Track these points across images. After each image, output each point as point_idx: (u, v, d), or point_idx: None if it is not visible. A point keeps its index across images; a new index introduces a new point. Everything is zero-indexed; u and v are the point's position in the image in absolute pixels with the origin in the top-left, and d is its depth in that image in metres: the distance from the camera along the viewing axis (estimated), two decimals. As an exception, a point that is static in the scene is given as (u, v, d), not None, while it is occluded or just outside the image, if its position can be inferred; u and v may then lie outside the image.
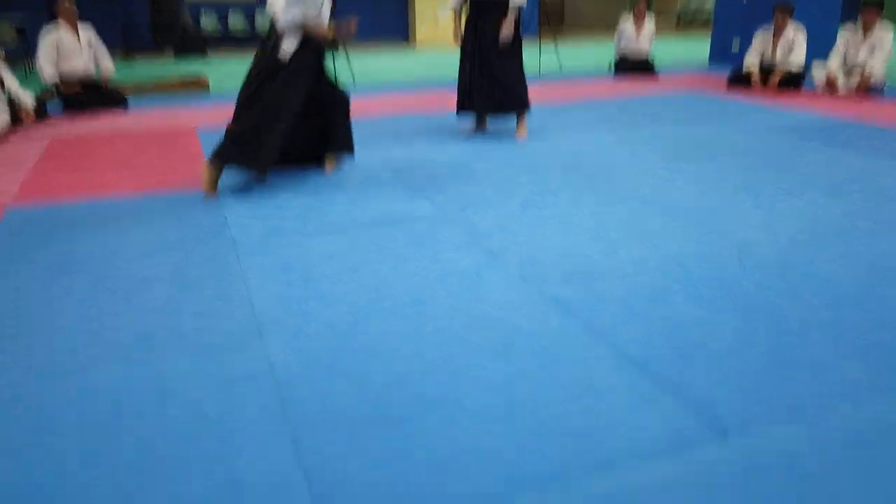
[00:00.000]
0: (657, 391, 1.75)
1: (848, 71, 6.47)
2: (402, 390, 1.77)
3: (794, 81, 6.58)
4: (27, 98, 5.36)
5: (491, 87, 4.59)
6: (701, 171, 3.86)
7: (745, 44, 7.31)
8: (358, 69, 8.74)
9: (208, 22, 13.19)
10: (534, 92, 6.79)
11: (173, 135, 5.02)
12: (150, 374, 1.85)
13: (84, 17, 6.22)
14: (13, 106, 5.19)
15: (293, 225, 3.05)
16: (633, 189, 3.55)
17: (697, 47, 11.33)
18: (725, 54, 8.82)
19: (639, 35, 7.98)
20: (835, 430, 1.59)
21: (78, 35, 5.87)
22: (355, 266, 2.61)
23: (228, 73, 8.92)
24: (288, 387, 1.79)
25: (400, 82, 7.97)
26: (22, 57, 9.45)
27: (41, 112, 5.48)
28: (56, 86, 5.79)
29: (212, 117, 5.70)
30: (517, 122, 4.83)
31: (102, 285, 2.45)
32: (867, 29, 6.36)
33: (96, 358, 1.94)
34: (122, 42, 12.41)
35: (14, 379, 1.84)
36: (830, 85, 6.45)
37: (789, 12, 6.58)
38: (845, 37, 6.52)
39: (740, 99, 6.32)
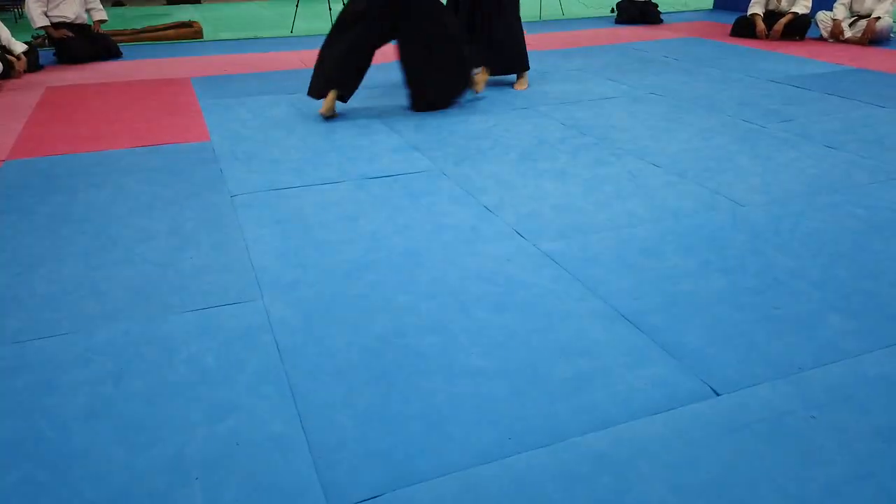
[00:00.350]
0: (649, 348, 1.79)
1: (854, 19, 6.34)
2: (398, 344, 1.82)
3: (798, 29, 6.45)
4: (19, 47, 5.29)
5: (489, 46, 4.52)
6: (700, 123, 3.84)
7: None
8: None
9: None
10: (534, 39, 6.67)
11: (167, 84, 4.97)
12: (151, 330, 1.90)
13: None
14: (5, 56, 5.11)
15: (289, 178, 3.06)
16: (630, 142, 3.54)
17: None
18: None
19: (642, -21, 7.79)
20: (823, 387, 1.64)
21: (68, -20, 5.74)
22: (351, 216, 2.63)
23: (221, 18, 8.75)
24: (286, 341, 1.84)
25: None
26: (10, 3, 9.26)
27: (34, 62, 5.41)
28: (46, 29, 5.69)
29: (205, 66, 5.63)
30: (517, 76, 4.77)
31: (105, 235, 2.48)
32: (874, -27, 6.21)
33: (99, 315, 1.98)
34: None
35: (19, 337, 1.88)
36: (836, 33, 6.32)
37: (796, -44, 6.41)
38: (852, -18, 6.37)
39: (744, 47, 6.21)
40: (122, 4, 11.02)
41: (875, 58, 5.58)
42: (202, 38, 7.17)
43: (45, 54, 5.89)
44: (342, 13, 4.01)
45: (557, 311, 1.96)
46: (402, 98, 4.33)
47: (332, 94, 3.90)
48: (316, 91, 3.98)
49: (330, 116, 3.95)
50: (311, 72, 4.08)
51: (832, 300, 2.00)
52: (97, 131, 3.82)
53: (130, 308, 2.01)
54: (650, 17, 7.75)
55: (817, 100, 4.30)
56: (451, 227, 2.54)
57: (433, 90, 4.11)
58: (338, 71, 3.89)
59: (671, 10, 8.86)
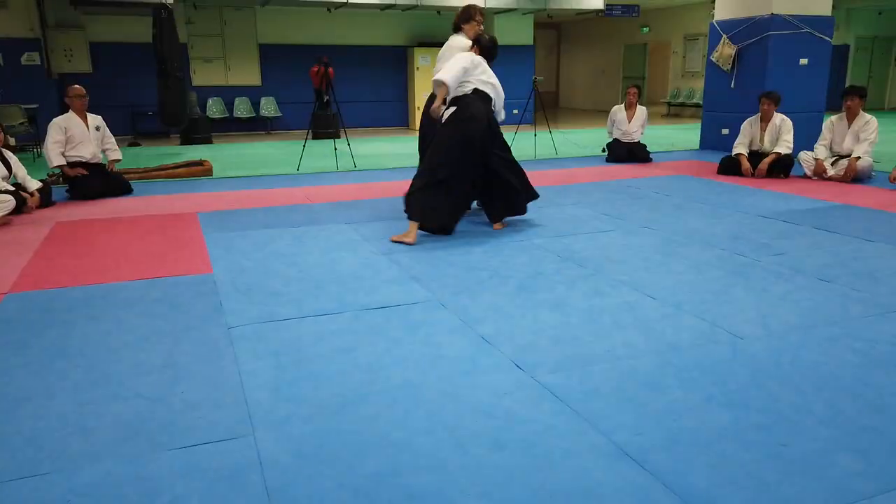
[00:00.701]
0: (654, 489, 1.72)
1: (834, 159, 6.64)
2: (392, 483, 1.75)
3: (783, 168, 6.74)
4: (33, 184, 5.49)
5: (507, 191, 4.65)
6: (694, 256, 3.91)
7: (735, 131, 7.53)
8: (361, 152, 8.97)
9: (215, 107, 13.64)
10: (529, 175, 6.95)
11: (174, 219, 5.11)
12: (135, 470, 1.83)
13: (94, 103, 6.47)
14: (19, 192, 5.30)
15: (287, 310, 3.07)
16: (626, 273, 3.59)
17: (688, 133, 11.66)
18: (716, 140, 9.08)
19: (630, 121, 8.24)
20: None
21: (87, 123, 6.06)
22: (348, 348, 2.61)
23: (231, 157, 9.16)
24: (275, 481, 1.77)
25: (399, 166, 8.17)
26: (31, 143, 9.73)
27: (46, 198, 5.60)
28: (62, 168, 5.93)
29: (213, 201, 5.82)
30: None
31: (98, 370, 2.45)
32: (851, 117, 6.58)
33: (84, 454, 1.91)
34: (131, 128, 12.81)
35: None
36: (819, 171, 6.60)
37: (774, 101, 6.81)
38: (830, 125, 6.73)
39: (731, 184, 6.46)
40: (138, 144, 11.58)
41: (858, 195, 5.78)
42: (212, 175, 7.46)
43: (58, 191, 6.11)
44: (446, 139, 4.38)
45: (558, 449, 1.90)
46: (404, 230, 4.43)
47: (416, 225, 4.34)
48: (435, 225, 4.44)
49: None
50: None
51: (839, 438, 1.95)
52: (101, 265, 3.88)
53: (117, 446, 1.94)
54: (639, 156, 8.12)
55: (807, 234, 4.41)
56: (449, 358, 2.52)
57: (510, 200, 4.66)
58: (452, 218, 4.48)
59: (659, 149, 9.30)
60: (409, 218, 4.31)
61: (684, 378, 2.34)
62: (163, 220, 5.10)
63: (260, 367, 2.47)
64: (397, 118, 15.41)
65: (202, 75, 13.72)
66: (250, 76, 14.15)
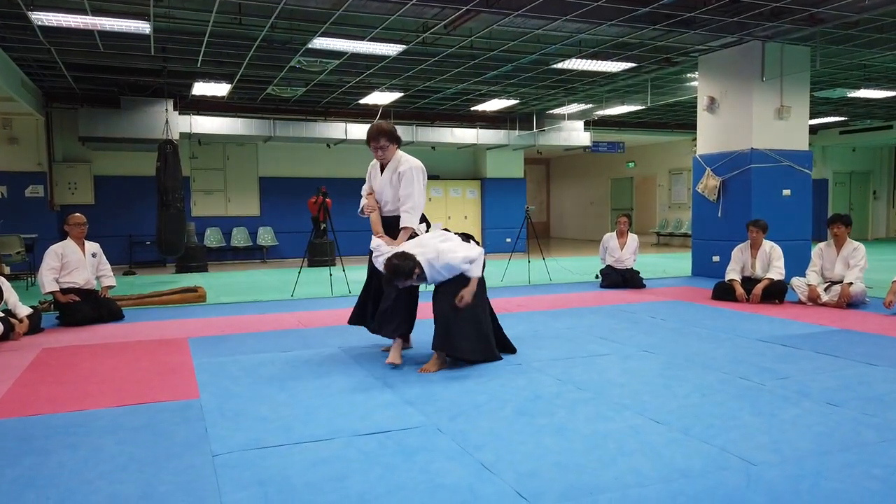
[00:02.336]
0: None
1: (827, 285, 6.69)
2: None
3: (777, 293, 6.77)
4: (23, 310, 5.43)
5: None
6: (697, 380, 3.81)
7: (724, 258, 7.65)
8: (356, 278, 9.02)
9: (213, 237, 13.86)
10: (523, 300, 6.95)
11: (164, 345, 5.01)
12: None
13: (94, 233, 6.55)
14: (8, 318, 5.23)
15: (276, 436, 2.92)
16: (628, 397, 3.47)
17: (679, 262, 11.84)
18: (707, 267, 9.20)
19: (623, 248, 8.37)
20: None
21: (83, 250, 6.10)
22: (339, 476, 2.46)
23: (225, 284, 9.17)
24: None
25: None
26: (26, 272, 9.76)
27: (36, 324, 5.51)
28: (55, 294, 5.89)
29: (205, 327, 5.74)
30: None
31: (70, 502, 2.28)
32: (839, 244, 6.70)
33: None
34: (128, 258, 12.94)
35: None
36: (813, 297, 6.62)
37: (762, 228, 6.96)
38: (820, 251, 6.83)
39: (726, 309, 6.45)
40: (133, 273, 11.64)
41: (856, 320, 5.77)
42: (206, 301, 7.43)
43: (48, 317, 6.03)
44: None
45: (568, 587, 1.72)
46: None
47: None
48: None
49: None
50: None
51: (875, 572, 1.78)
52: (84, 391, 3.74)
53: (81, 586, 1.76)
54: (633, 282, 8.18)
55: (809, 358, 4.33)
56: (447, 487, 2.36)
57: (459, 338, 4.09)
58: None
59: (652, 276, 9.39)
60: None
61: (699, 507, 2.18)
62: (152, 345, 5.00)
63: (244, 497, 2.30)
64: (392, 247, 15.64)
65: (202, 206, 14.07)
66: (249, 207, 14.53)
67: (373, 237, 4.42)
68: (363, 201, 4.63)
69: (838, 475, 2.44)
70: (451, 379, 3.88)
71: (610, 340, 4.97)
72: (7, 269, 9.22)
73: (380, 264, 4.14)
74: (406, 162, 4.48)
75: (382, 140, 4.41)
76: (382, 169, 4.56)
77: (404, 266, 3.91)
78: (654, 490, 2.32)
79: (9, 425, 3.14)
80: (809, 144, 9.18)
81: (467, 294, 4.04)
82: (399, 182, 4.41)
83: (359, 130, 13.49)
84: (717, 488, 2.34)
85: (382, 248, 4.26)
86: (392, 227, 4.45)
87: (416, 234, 4.40)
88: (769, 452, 2.68)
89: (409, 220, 4.38)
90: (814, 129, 16.65)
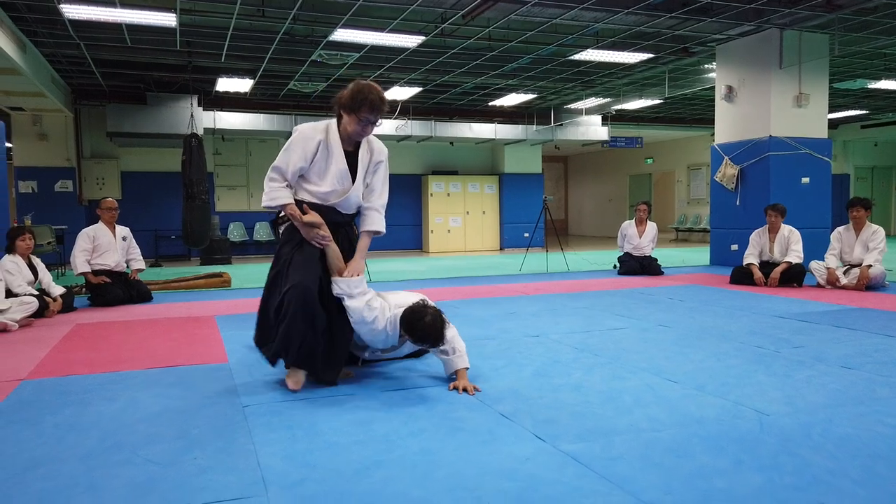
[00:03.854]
0: (683, 533, 1.63)
1: (846, 268, 6.69)
2: (411, 532, 1.67)
3: (795, 277, 6.77)
4: (57, 290, 5.62)
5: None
6: (712, 348, 3.87)
7: (743, 247, 7.65)
8: (372, 269, 9.14)
9: (236, 231, 14.09)
10: (540, 285, 7.01)
11: (192, 321, 5.16)
12: (145, 517, 1.76)
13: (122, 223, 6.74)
14: (42, 297, 5.41)
15: (304, 392, 3.03)
16: (645, 361, 3.54)
17: (697, 254, 11.82)
18: (726, 256, 9.19)
19: (641, 236, 8.41)
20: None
21: (114, 234, 6.29)
22: (364, 421, 2.56)
23: (249, 273, 9.35)
24: (289, 529, 1.69)
25: (406, 279, 8.29)
26: (56, 262, 10.01)
27: (69, 304, 5.69)
28: (86, 276, 6.07)
29: (231, 308, 5.89)
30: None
31: (111, 440, 2.41)
32: (858, 227, 6.69)
33: (92, 504, 1.86)
34: (154, 251, 13.19)
35: (4, 522, 1.75)
36: (832, 280, 6.62)
37: (780, 212, 6.97)
38: (838, 235, 6.83)
39: (744, 291, 6.47)
40: (159, 265, 11.88)
41: (875, 300, 5.77)
42: (230, 287, 7.59)
43: (80, 299, 6.22)
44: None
45: (584, 505, 1.81)
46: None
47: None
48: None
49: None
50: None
51: (879, 498, 1.85)
52: (118, 356, 3.89)
53: None
54: (651, 269, 8.20)
55: (826, 331, 4.36)
56: (468, 430, 2.46)
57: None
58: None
59: (670, 265, 9.41)
60: None
61: (711, 446, 2.26)
62: (181, 322, 5.15)
63: (274, 437, 2.42)
64: (412, 241, 15.80)
65: (225, 201, 14.30)
66: (271, 203, 14.70)
67: (337, 277, 3.08)
68: (281, 197, 3.07)
69: (850, 423, 2.50)
70: (470, 347, 3.97)
71: (627, 317, 5.03)
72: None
73: (362, 313, 3.04)
74: (381, 147, 3.29)
75: (382, 114, 3.12)
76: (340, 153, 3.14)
77: (439, 322, 2.99)
78: (669, 434, 2.40)
79: (47, 384, 3.29)
80: (830, 139, 9.14)
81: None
82: (374, 174, 3.26)
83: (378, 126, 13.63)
84: (730, 431, 2.41)
85: (374, 301, 3.11)
86: (339, 226, 3.21)
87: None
88: (782, 405, 2.75)
89: (381, 222, 3.26)
90: (835, 124, 16.51)
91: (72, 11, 7.32)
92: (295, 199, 3.12)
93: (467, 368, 3.12)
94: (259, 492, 1.95)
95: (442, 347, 3.06)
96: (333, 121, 3.17)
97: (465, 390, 2.98)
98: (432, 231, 15.40)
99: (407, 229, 15.64)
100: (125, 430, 2.53)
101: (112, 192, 13.10)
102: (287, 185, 3.11)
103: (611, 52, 9.60)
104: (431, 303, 3.18)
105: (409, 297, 3.18)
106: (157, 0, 7.34)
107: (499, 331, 4.52)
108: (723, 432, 2.40)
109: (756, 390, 2.97)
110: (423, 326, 2.94)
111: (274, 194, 3.08)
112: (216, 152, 14.15)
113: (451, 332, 3.11)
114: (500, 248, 15.80)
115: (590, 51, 9.47)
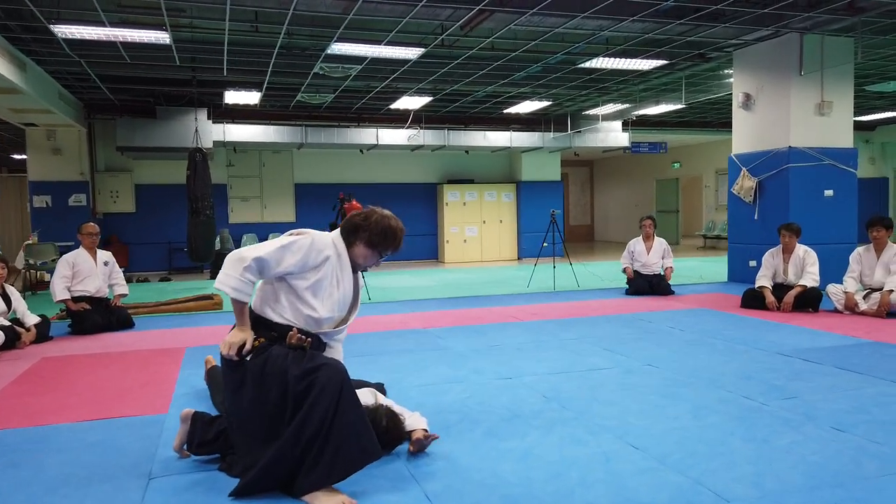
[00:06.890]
0: None
1: (866, 292, 6.22)
2: None
3: (810, 301, 6.32)
4: (31, 319, 5.51)
5: None
6: (695, 399, 3.52)
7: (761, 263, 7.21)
8: (380, 284, 8.91)
9: (249, 243, 14.04)
10: (539, 309, 6.70)
11: (161, 355, 4.98)
12: None
13: (135, 240, 6.62)
14: (14, 328, 5.30)
15: (213, 473, 2.79)
16: (613, 418, 3.22)
17: (718, 266, 11.31)
18: (744, 272, 8.72)
19: (649, 253, 8.02)
20: None
21: (95, 259, 6.17)
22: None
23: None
24: None
25: (410, 298, 8.03)
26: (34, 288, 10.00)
27: (44, 333, 5.58)
28: (66, 303, 5.96)
29: (207, 336, 5.70)
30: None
31: (-21, 529, 2.20)
32: (879, 247, 6.22)
33: None
34: (167, 264, 13.22)
35: None
36: (850, 305, 6.15)
37: (795, 232, 6.53)
38: (858, 256, 6.36)
39: (754, 318, 6.05)
40: (168, 279, 11.86)
41: (893, 330, 5.31)
42: (222, 309, 7.44)
43: (60, 326, 6.11)
44: None
45: None
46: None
47: None
48: None
49: None
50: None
51: None
52: (60, 403, 3.71)
53: None
54: (660, 289, 7.80)
55: (827, 375, 3.97)
56: (373, 523, 2.18)
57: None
58: None
59: (687, 282, 8.98)
60: None
61: (644, 553, 1.95)
62: (149, 355, 4.98)
63: (161, 527, 2.18)
64: (428, 251, 15.58)
65: (239, 213, 14.27)
66: (285, 213, 14.65)
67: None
68: (245, 295, 2.73)
69: (820, 517, 2.16)
70: (428, 395, 3.69)
71: (615, 353, 4.69)
72: (47, 276, 9.52)
73: None
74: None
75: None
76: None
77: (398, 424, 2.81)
78: (602, 530, 2.09)
79: (-28, 440, 3.12)
80: (866, 141, 8.58)
81: None
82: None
83: (390, 136, 13.45)
84: (672, 530, 2.09)
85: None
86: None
87: None
88: (748, 486, 2.41)
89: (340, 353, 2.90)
90: (872, 126, 15.74)
91: (65, 31, 7.25)
92: (272, 321, 2.69)
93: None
94: None
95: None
96: (339, 237, 2.75)
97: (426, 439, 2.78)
98: (448, 241, 15.14)
99: (422, 239, 15.41)
100: (9, 512, 2.32)
101: (126, 205, 13.18)
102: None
103: (622, 60, 9.20)
104: (383, 399, 2.95)
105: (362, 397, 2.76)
106: (147, 18, 7.22)
107: (471, 371, 4.23)
108: (665, 530, 2.09)
109: (724, 463, 2.63)
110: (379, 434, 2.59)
111: (244, 288, 2.67)
112: (229, 164, 14.12)
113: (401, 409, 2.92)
114: (518, 258, 15.46)
115: (600, 58, 9.09)
